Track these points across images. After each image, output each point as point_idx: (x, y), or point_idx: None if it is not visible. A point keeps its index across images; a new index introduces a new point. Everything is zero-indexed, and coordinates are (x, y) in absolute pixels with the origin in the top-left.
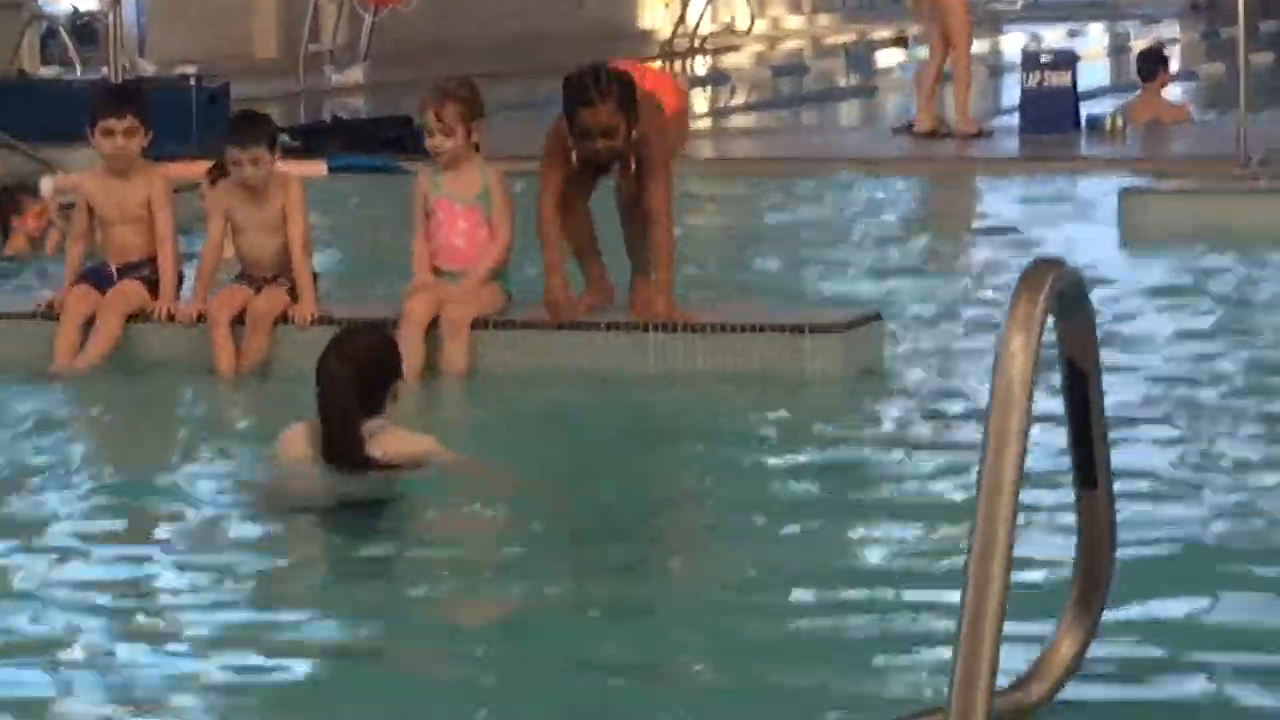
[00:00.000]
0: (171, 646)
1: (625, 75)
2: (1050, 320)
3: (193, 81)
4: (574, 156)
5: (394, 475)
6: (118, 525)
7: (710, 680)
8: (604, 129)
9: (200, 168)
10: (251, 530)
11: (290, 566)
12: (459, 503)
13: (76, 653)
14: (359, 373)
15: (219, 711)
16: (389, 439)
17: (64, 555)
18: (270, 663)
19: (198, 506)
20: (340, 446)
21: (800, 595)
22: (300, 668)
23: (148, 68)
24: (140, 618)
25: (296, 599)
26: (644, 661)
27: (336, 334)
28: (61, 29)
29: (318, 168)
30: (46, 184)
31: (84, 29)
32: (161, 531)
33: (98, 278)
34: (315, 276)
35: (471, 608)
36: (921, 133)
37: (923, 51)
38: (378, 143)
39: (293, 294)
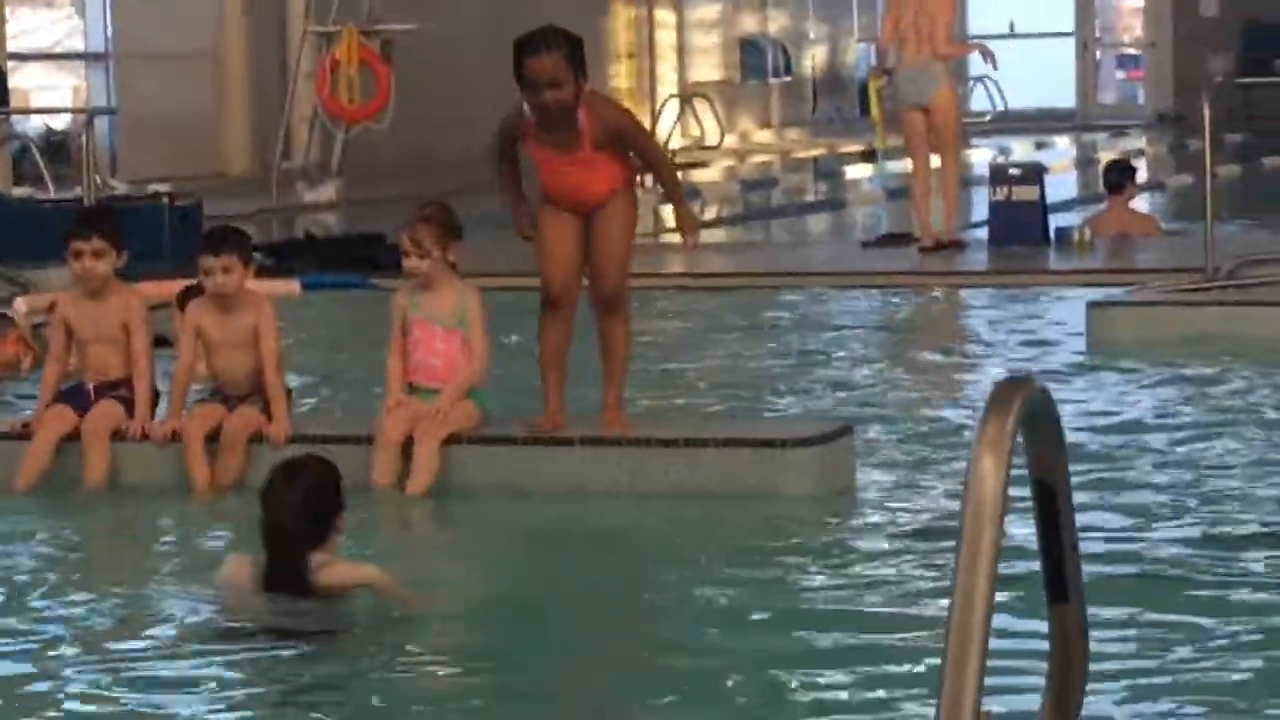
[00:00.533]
0: None
1: (572, 34)
2: (1021, 437)
3: (165, 200)
4: (527, 121)
5: (334, 604)
6: (77, 649)
7: None
8: (550, 80)
9: (174, 287)
10: (195, 657)
11: (229, 696)
12: (398, 631)
13: None
14: (305, 503)
15: None
16: (333, 571)
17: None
18: None
19: (163, 626)
20: (284, 576)
21: (755, 705)
22: None
23: (120, 186)
24: None
25: None
26: None
27: (282, 462)
28: (34, 148)
29: (291, 286)
30: (20, 304)
31: (57, 147)
32: (114, 654)
33: (75, 398)
34: (289, 394)
35: None
36: (928, 248)
37: (893, 165)
38: (351, 260)
39: (267, 412)
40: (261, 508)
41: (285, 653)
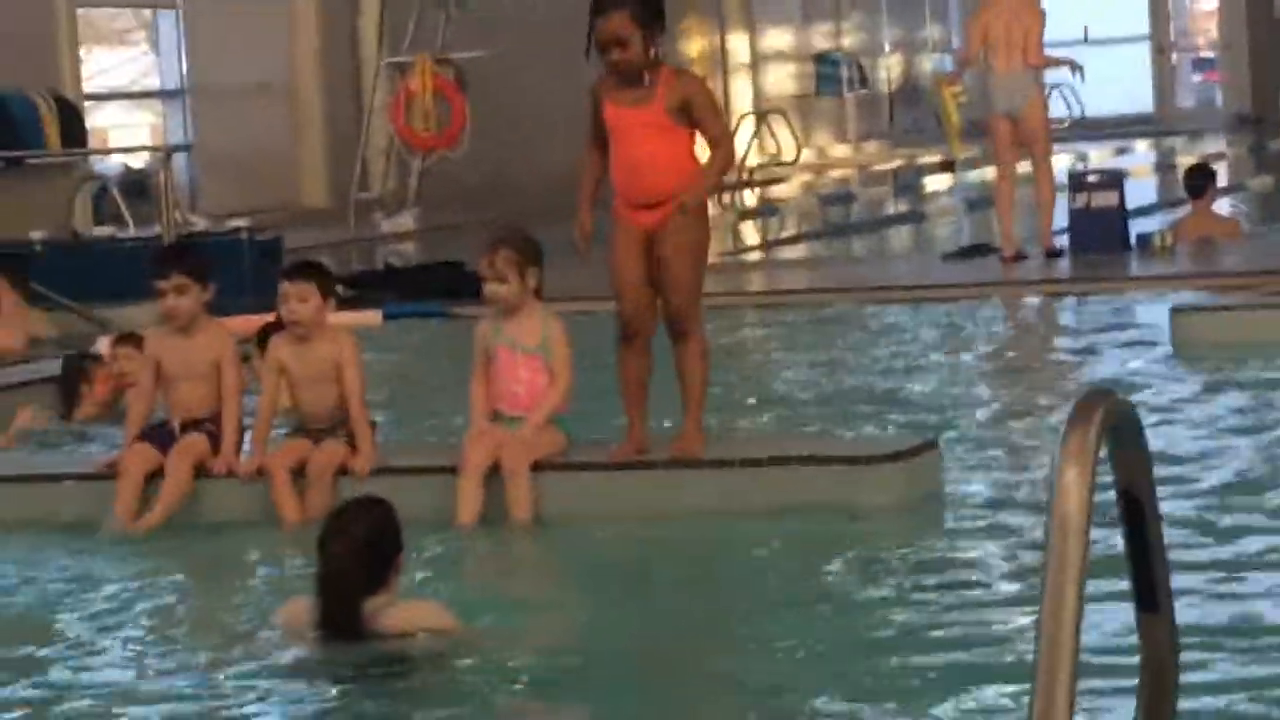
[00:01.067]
0: None
1: None
2: (1105, 449)
3: (245, 234)
4: (604, 81)
5: (394, 645)
6: (175, 682)
7: None
8: (617, 38)
9: (256, 322)
10: (255, 699)
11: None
12: (461, 672)
13: None
14: (361, 549)
15: None
16: (394, 614)
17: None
18: None
19: (229, 665)
20: (339, 621)
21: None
22: None
23: (199, 222)
24: None
25: None
26: None
27: (337, 507)
28: (113, 187)
29: (372, 318)
30: (104, 344)
31: (135, 186)
32: (174, 692)
33: (159, 436)
34: (373, 426)
35: None
36: (1009, 258)
37: (972, 175)
38: (431, 289)
39: (351, 444)
40: (317, 552)
41: (337, 697)
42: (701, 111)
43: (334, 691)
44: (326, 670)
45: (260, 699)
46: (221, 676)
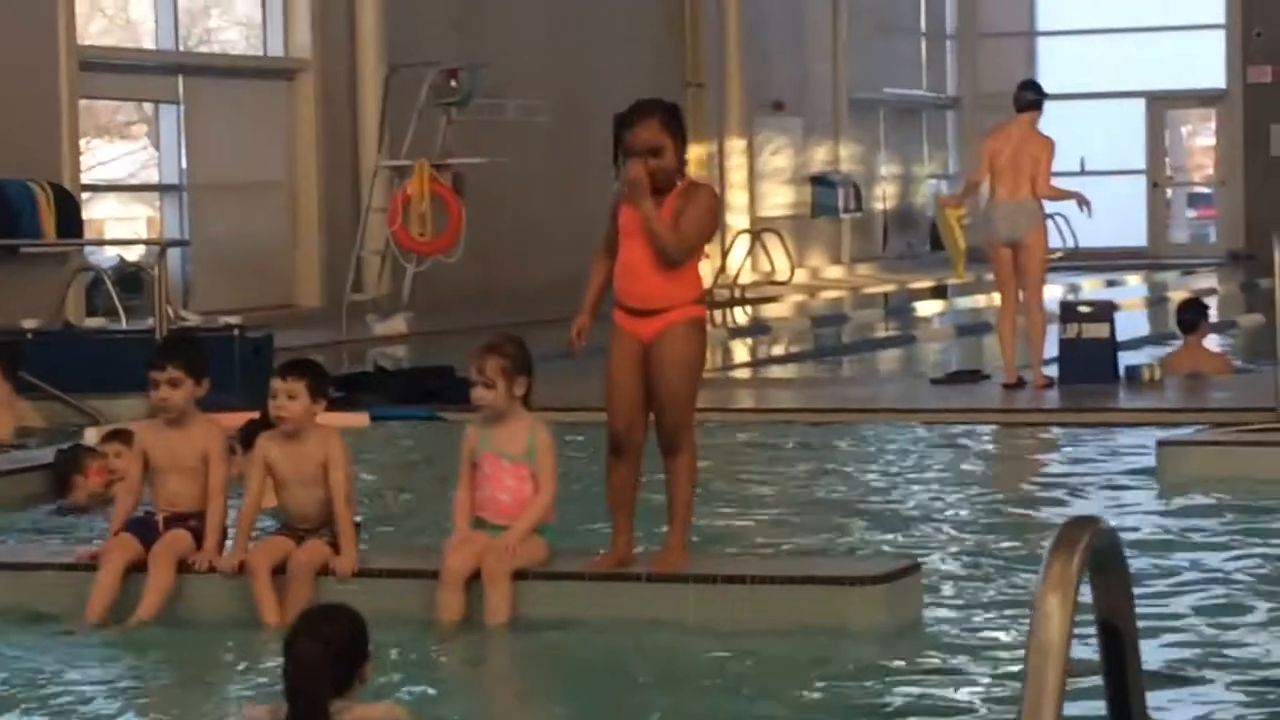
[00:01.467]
0: None
1: (670, 103)
2: (1087, 577)
3: (236, 331)
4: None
5: None
6: None
7: None
8: (650, 148)
9: (239, 419)
10: None
11: None
12: None
13: None
14: (330, 654)
15: None
16: (362, 715)
17: None
18: None
19: None
20: None
21: None
22: None
23: (191, 318)
24: None
25: None
26: None
27: (306, 611)
28: (107, 279)
29: (360, 419)
30: (91, 434)
31: (130, 279)
32: None
33: (142, 529)
34: (357, 527)
35: None
36: (1010, 384)
37: (963, 301)
38: (420, 393)
39: (335, 545)
40: (285, 656)
41: None
42: (685, 220)
43: None
44: None
45: None
46: None
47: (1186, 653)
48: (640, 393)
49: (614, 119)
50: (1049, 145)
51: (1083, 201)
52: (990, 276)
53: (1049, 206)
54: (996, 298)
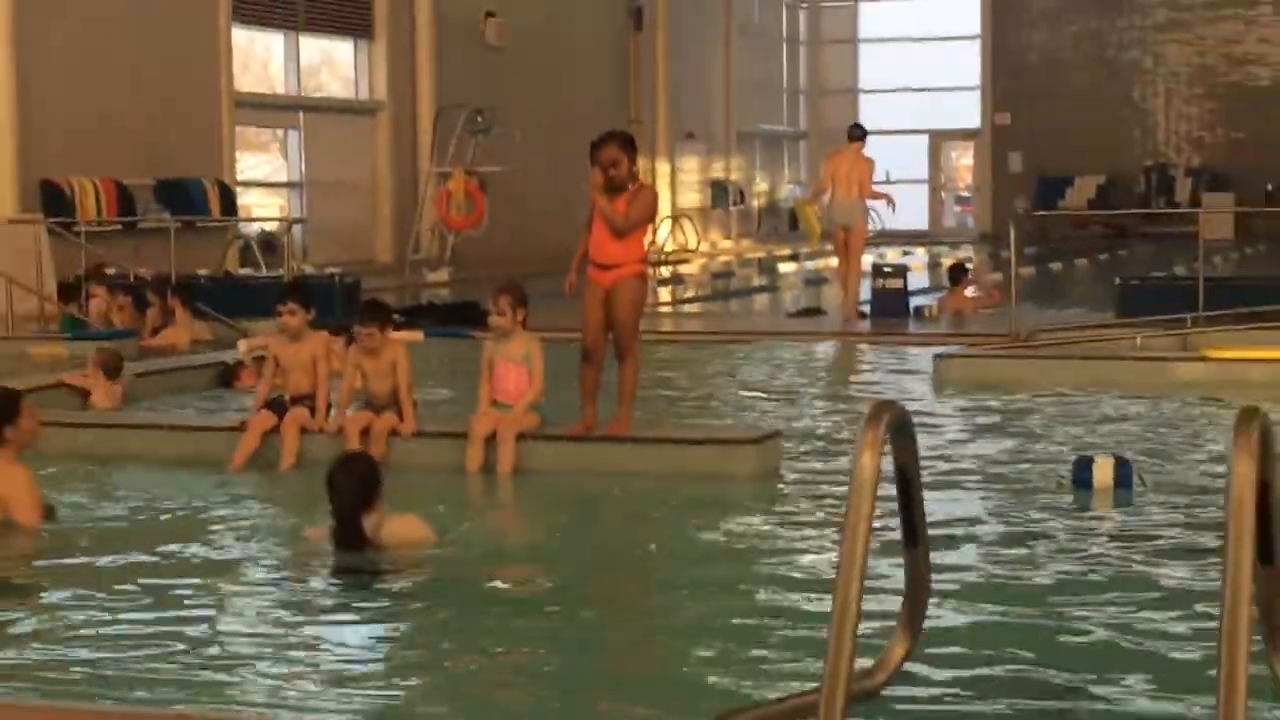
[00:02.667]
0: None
1: (626, 133)
2: (888, 440)
3: (336, 278)
4: (597, 184)
5: (385, 554)
6: (274, 561)
7: (645, 670)
8: (610, 161)
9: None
10: (289, 588)
11: (309, 604)
12: (423, 569)
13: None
14: (360, 483)
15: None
16: (390, 525)
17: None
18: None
19: (283, 566)
20: (346, 536)
21: (719, 614)
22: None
23: (308, 269)
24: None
25: (313, 622)
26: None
27: (339, 457)
28: (252, 242)
29: (417, 336)
30: (241, 345)
31: (267, 243)
32: (240, 580)
33: (277, 406)
34: (415, 405)
35: (427, 634)
36: (853, 317)
37: (810, 263)
38: (456, 319)
39: (400, 416)
40: (328, 487)
41: (341, 589)
42: (633, 209)
43: (339, 584)
44: (335, 570)
45: (284, 587)
46: (265, 569)
47: (948, 498)
48: (603, 321)
49: (590, 144)
50: (871, 164)
51: (890, 201)
52: (830, 248)
53: (869, 204)
54: (832, 261)
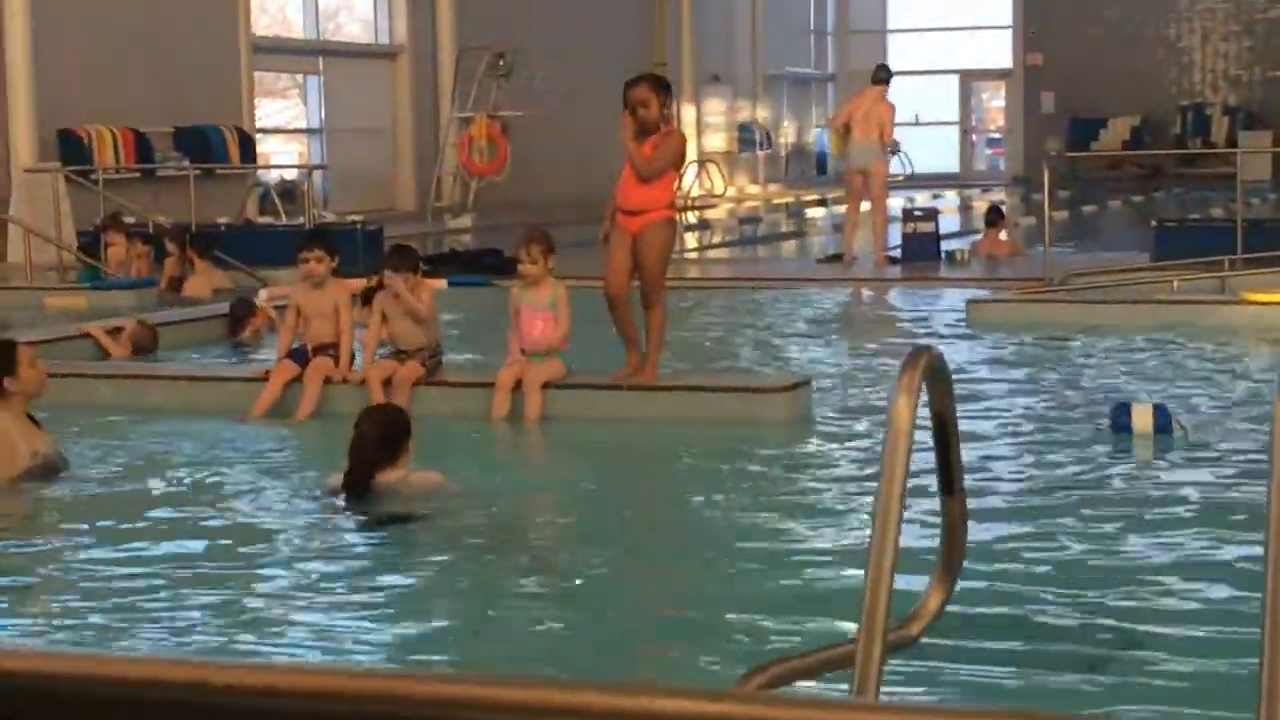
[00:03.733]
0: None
1: (661, 75)
2: (924, 386)
3: (358, 226)
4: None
5: (400, 503)
6: (288, 509)
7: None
8: (640, 100)
9: (360, 284)
10: (304, 530)
11: (322, 549)
12: (444, 519)
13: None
14: (379, 434)
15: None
16: (409, 481)
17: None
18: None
19: (303, 507)
20: (357, 485)
21: (750, 562)
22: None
23: (329, 216)
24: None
25: (319, 567)
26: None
27: (365, 408)
28: (273, 191)
29: (440, 284)
30: (263, 294)
31: (287, 191)
32: (260, 518)
33: (299, 356)
34: (440, 353)
35: (434, 576)
36: (850, 259)
37: (840, 208)
38: (479, 267)
39: (425, 365)
40: (354, 431)
41: (359, 531)
42: (658, 152)
43: (353, 531)
44: (347, 516)
45: (295, 530)
46: (280, 512)
47: (988, 441)
48: (627, 265)
49: (625, 83)
50: (892, 108)
51: (896, 149)
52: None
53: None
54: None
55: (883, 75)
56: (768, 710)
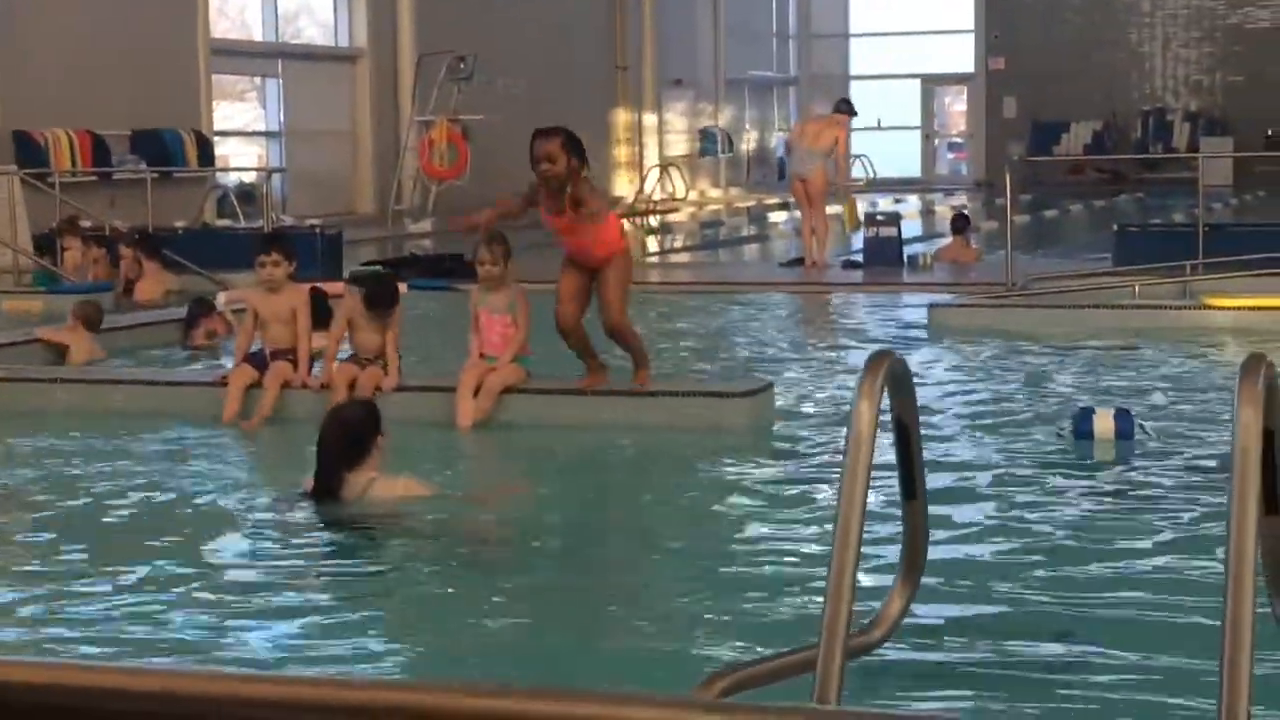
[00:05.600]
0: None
1: (566, 129)
2: (886, 391)
3: (317, 230)
4: (534, 184)
5: (368, 507)
6: (255, 510)
7: (633, 629)
8: (546, 155)
9: (327, 288)
10: (271, 529)
11: (288, 555)
12: (410, 521)
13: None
14: (345, 434)
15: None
16: (379, 487)
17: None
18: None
19: (272, 507)
20: (325, 487)
21: (712, 566)
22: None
23: (287, 219)
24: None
25: (288, 570)
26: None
27: (334, 405)
28: (231, 193)
29: (401, 288)
30: (221, 298)
31: (246, 194)
32: (234, 521)
33: (257, 360)
34: (401, 358)
35: (397, 574)
36: (812, 265)
37: (800, 213)
38: (440, 271)
39: (386, 370)
40: (319, 434)
41: (327, 542)
42: (576, 198)
43: (317, 538)
44: (315, 521)
45: (263, 533)
46: (242, 524)
47: (946, 446)
48: (581, 297)
49: (534, 132)
50: (845, 132)
51: (841, 169)
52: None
53: (857, 149)
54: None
55: (844, 108)
56: (728, 718)
